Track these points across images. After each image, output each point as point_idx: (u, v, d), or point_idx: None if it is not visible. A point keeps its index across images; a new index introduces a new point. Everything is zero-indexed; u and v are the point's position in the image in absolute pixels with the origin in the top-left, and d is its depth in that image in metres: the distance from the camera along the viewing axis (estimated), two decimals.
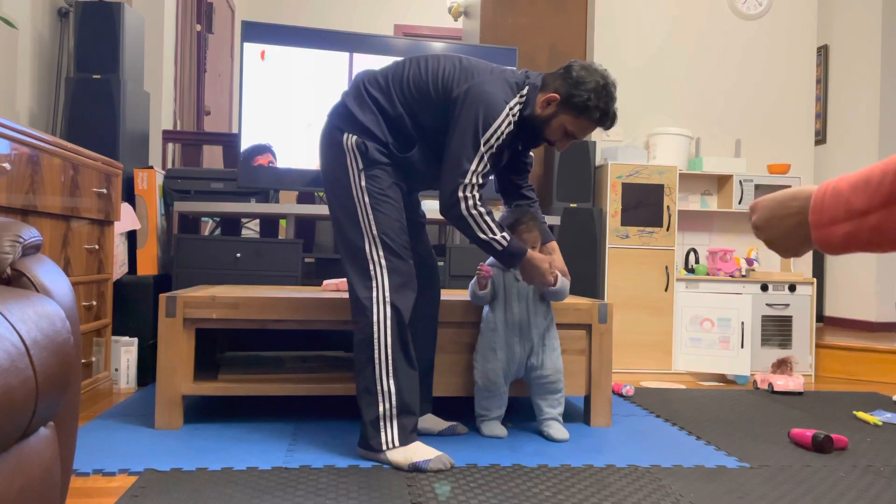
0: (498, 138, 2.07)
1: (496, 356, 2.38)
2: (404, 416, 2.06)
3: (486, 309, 2.44)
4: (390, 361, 2.05)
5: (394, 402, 2.05)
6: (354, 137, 2.10)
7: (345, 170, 2.11)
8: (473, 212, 2.06)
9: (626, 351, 3.80)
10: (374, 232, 2.06)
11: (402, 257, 2.09)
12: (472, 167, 2.04)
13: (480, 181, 2.06)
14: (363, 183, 2.09)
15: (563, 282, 2.35)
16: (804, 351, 3.90)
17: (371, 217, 2.07)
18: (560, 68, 2.20)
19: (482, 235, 2.08)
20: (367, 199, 2.08)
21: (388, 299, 2.05)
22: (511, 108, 2.11)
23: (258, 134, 3.35)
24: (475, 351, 2.45)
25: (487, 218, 2.08)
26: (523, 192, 2.45)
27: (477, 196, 2.06)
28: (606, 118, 2.19)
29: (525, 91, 2.16)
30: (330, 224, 3.92)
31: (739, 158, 4.12)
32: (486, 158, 2.06)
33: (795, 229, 0.85)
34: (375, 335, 2.05)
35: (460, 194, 2.04)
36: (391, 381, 2.05)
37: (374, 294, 2.05)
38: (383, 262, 2.06)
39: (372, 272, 2.06)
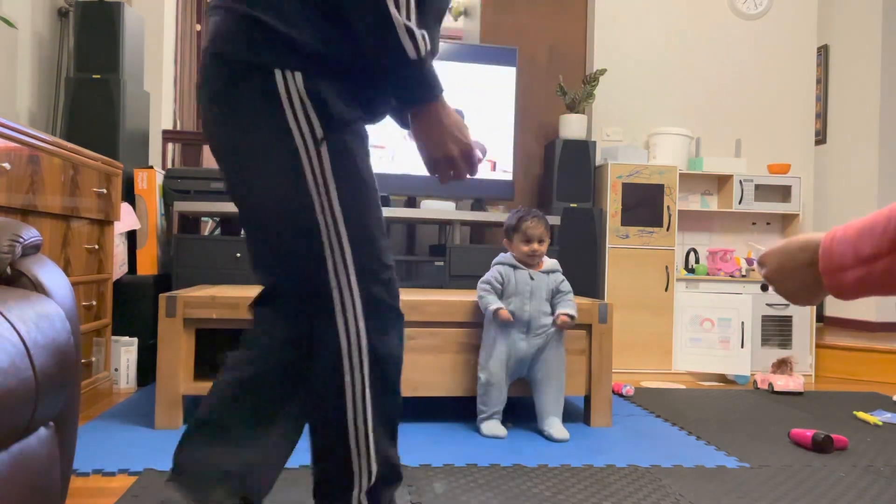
0: None
1: (498, 349, 2.39)
2: None
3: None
4: (372, 454, 1.26)
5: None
6: (299, 76, 1.18)
7: (285, 143, 1.19)
8: None
9: (626, 351, 3.79)
10: (344, 242, 1.22)
11: (382, 280, 1.26)
12: None
13: None
14: (326, 163, 1.21)
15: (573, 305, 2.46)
16: (804, 351, 3.89)
17: (339, 218, 1.22)
18: None
19: (396, 14, 1.12)
20: (332, 189, 1.21)
21: (365, 346, 1.23)
22: None
23: None
24: (481, 347, 2.46)
25: (414, 6, 1.15)
26: None
27: None
28: None
29: None
30: None
31: (739, 158, 4.11)
32: None
33: (808, 280, 0.86)
34: (349, 410, 1.24)
35: None
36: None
37: (345, 341, 1.23)
38: (357, 288, 1.23)
39: (339, 306, 1.23)
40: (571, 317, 2.41)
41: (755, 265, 0.95)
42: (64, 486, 1.26)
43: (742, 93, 4.28)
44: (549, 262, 2.49)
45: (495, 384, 2.41)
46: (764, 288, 4.04)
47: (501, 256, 2.54)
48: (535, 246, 2.43)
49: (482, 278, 2.50)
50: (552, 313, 2.45)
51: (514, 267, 2.47)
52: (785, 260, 0.88)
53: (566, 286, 2.48)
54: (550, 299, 2.46)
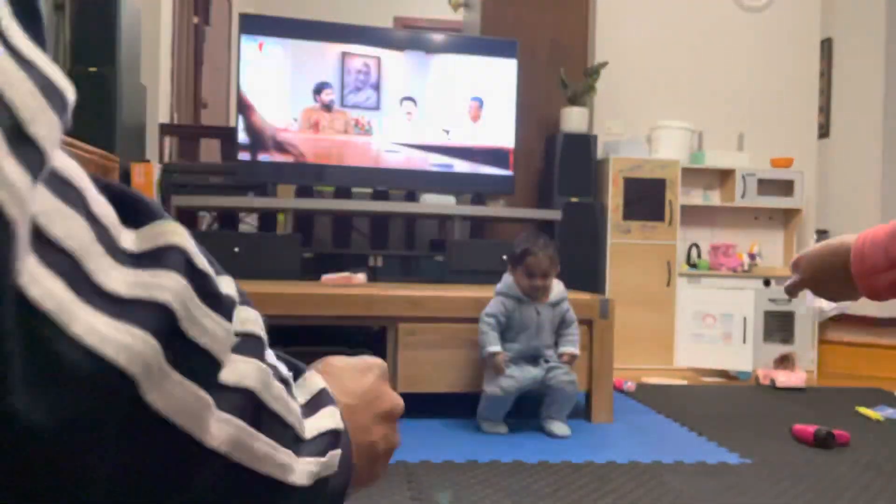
0: None
1: (510, 371, 2.34)
2: None
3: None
4: None
5: None
6: None
7: None
8: None
9: (627, 347, 3.76)
10: None
11: None
12: None
13: None
14: None
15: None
16: (807, 346, 3.87)
17: None
18: None
19: None
20: None
21: None
22: None
23: (256, 128, 3.32)
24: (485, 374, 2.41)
25: None
26: None
27: None
28: None
29: None
30: (331, 219, 3.88)
31: (742, 152, 4.09)
32: None
33: (843, 283, 0.87)
34: None
35: None
36: None
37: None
38: None
39: None
40: (574, 356, 2.38)
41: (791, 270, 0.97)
42: None
43: (745, 86, 4.25)
44: (557, 291, 2.39)
45: (502, 400, 2.36)
46: (766, 283, 4.02)
47: (504, 285, 2.41)
48: (538, 281, 2.31)
49: (486, 310, 2.37)
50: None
51: (519, 300, 2.35)
52: (818, 266, 0.90)
53: (571, 316, 2.41)
54: (556, 330, 2.41)
